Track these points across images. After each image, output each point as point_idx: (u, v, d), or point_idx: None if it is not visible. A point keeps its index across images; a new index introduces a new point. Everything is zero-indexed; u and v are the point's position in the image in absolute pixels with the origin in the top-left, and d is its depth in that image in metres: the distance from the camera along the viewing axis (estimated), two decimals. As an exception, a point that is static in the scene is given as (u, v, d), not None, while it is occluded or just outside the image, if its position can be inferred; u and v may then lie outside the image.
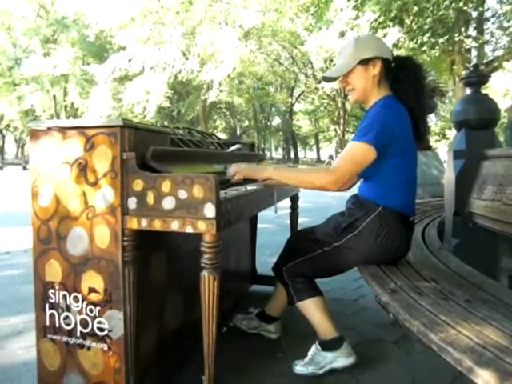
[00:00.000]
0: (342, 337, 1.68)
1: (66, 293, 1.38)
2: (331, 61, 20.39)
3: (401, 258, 1.68)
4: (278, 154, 48.71)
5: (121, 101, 24.33)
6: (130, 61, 22.62)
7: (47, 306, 1.40)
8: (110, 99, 25.00)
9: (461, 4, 8.70)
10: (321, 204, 6.44)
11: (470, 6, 9.14)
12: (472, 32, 11.14)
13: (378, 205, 1.57)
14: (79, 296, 1.36)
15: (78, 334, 1.37)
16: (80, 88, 27.83)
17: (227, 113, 35.51)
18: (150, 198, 1.28)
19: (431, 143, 8.72)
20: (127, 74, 23.18)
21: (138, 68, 22.63)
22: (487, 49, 13.78)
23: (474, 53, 12.52)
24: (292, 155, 36.95)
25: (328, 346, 1.66)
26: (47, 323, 1.41)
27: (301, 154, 45.95)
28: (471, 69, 2.41)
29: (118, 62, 22.75)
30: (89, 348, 1.36)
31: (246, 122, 38.84)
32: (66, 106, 30.01)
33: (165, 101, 23.93)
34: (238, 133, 36.56)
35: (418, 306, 1.19)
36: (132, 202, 1.30)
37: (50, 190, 1.39)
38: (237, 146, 2.09)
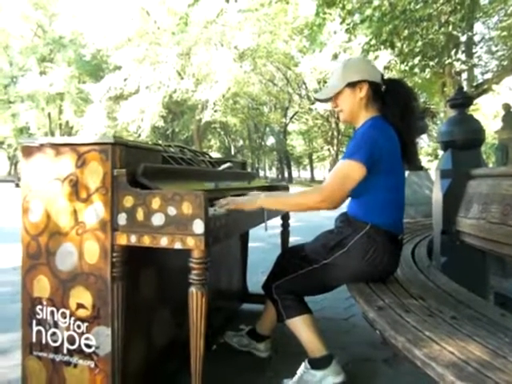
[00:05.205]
0: (331, 355, 1.67)
1: (53, 309, 1.38)
2: (325, 82, 20.73)
3: (389, 276, 1.69)
4: (272, 173, 48.87)
5: (116, 119, 24.45)
6: (125, 80, 22.87)
7: (34, 322, 1.40)
8: (105, 118, 25.12)
9: (450, 28, 8.92)
10: (312, 223, 6.46)
11: (459, 30, 9.37)
12: (461, 55, 11.40)
13: (366, 223, 1.59)
14: (67, 312, 1.36)
15: (65, 350, 1.37)
16: (75, 106, 27.97)
17: (222, 132, 35.75)
18: (140, 215, 1.29)
19: (424, 163, 8.81)
20: (122, 93, 23.37)
21: (134, 87, 22.86)
22: (476, 72, 14.08)
23: (464, 75, 12.81)
24: (286, 175, 37.11)
25: (317, 364, 1.65)
26: (33, 340, 1.40)
27: (295, 174, 46.14)
28: (457, 91, 2.48)
29: (113, 81, 22.98)
30: (75, 365, 1.35)
31: (241, 142, 39.09)
32: (60, 124, 30.09)
33: (159, 120, 24.09)
34: (233, 152, 36.72)
35: (404, 322, 1.20)
36: (122, 218, 1.31)
37: (40, 206, 1.40)
38: (228, 165, 2.12)
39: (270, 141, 38.89)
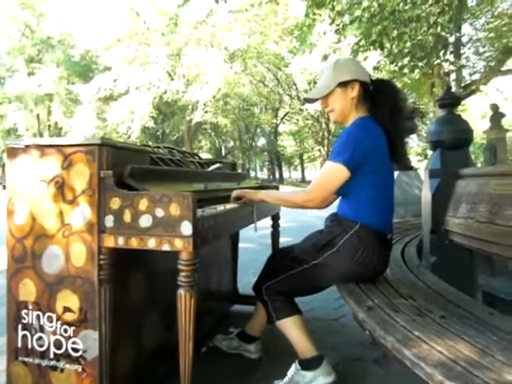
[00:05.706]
0: (321, 355, 1.67)
1: (39, 313, 1.35)
2: (315, 83, 20.82)
3: (379, 276, 1.70)
4: (263, 174, 48.78)
5: (105, 120, 24.30)
6: (115, 81, 22.75)
7: (20, 326, 1.37)
8: (95, 119, 24.94)
9: (438, 29, 9.00)
10: (303, 223, 6.46)
11: (447, 31, 9.45)
12: (450, 56, 11.50)
13: (355, 222, 1.59)
14: (53, 316, 1.34)
15: (52, 355, 1.34)
16: (64, 107, 27.70)
17: (212, 133, 35.67)
18: (127, 216, 1.28)
19: (414, 163, 8.87)
20: (112, 93, 23.24)
21: (123, 88, 22.74)
22: (465, 72, 14.24)
23: (452, 76, 12.94)
24: (277, 175, 37.15)
25: (307, 364, 1.65)
26: (19, 345, 1.37)
27: (286, 174, 46.16)
28: (445, 91, 2.50)
29: (103, 82, 22.83)
30: (62, 370, 1.33)
31: (231, 143, 39.00)
32: (49, 126, 29.81)
33: (149, 121, 23.99)
34: (223, 153, 36.66)
35: (394, 322, 1.20)
36: (109, 220, 1.30)
37: (25, 208, 1.37)
38: (217, 166, 2.11)
39: (261, 141, 38.85)
